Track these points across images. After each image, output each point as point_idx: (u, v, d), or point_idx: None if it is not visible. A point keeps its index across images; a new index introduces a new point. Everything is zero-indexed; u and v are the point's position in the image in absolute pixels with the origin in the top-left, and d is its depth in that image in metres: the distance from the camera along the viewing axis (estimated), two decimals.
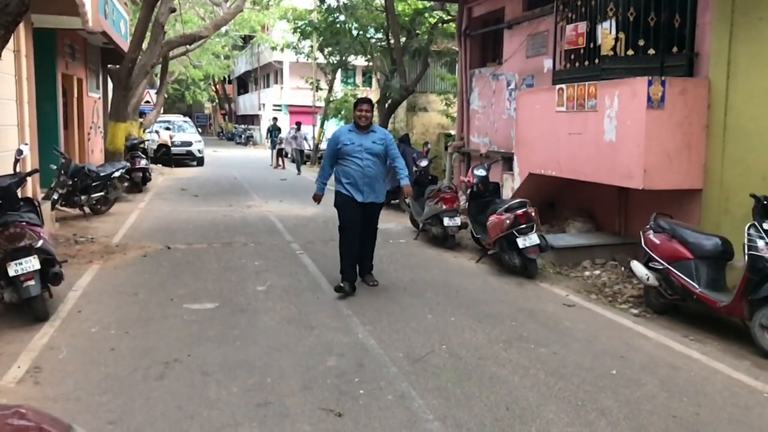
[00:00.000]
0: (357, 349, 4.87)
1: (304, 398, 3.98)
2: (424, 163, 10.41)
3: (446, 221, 8.59)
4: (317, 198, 6.80)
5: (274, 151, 23.93)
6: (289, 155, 24.60)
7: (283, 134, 23.94)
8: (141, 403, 3.88)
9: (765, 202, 4.98)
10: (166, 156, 22.28)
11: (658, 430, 3.68)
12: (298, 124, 22.82)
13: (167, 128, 24.25)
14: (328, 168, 6.64)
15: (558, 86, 8.08)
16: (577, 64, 8.17)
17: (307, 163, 23.87)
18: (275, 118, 25.91)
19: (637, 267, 5.98)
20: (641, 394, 4.15)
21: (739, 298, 5.02)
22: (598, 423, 3.73)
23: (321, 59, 24.91)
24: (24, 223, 5.48)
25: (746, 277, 4.95)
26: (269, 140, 24.95)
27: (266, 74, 45.05)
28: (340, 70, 24.80)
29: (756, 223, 4.97)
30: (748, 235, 4.97)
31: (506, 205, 7.53)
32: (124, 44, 14.52)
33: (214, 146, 36.37)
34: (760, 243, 4.88)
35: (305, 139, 22.67)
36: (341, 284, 6.28)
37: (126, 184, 13.54)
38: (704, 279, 5.40)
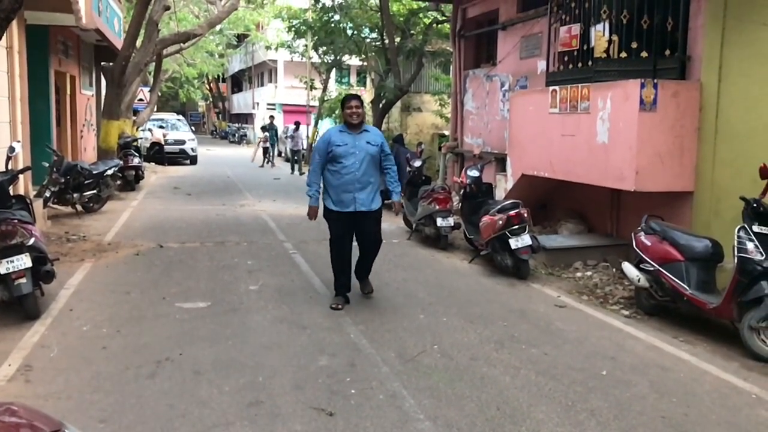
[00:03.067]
0: (349, 348, 4.88)
1: (295, 397, 3.99)
2: (417, 163, 10.42)
3: (439, 221, 8.61)
4: (313, 213, 6.07)
5: (260, 150, 23.56)
6: (283, 154, 24.46)
7: (271, 133, 23.55)
8: (132, 401, 3.88)
9: (755, 205, 5.02)
10: (159, 154, 22.22)
11: (647, 430, 3.71)
12: (297, 123, 22.19)
13: (160, 126, 24.15)
14: (318, 174, 5.95)
15: (551, 88, 8.10)
16: (570, 66, 8.19)
17: (302, 162, 23.81)
18: (272, 117, 25.58)
19: (629, 268, 6.01)
20: (631, 395, 4.18)
21: (729, 300, 5.06)
22: (588, 423, 3.76)
23: (315, 58, 24.90)
24: (16, 221, 5.46)
25: (736, 279, 4.99)
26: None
27: (260, 73, 44.92)
28: (334, 69, 24.77)
29: (746, 226, 5.01)
30: (738, 237, 5.01)
31: (499, 206, 7.55)
32: (118, 42, 14.46)
33: (208, 145, 36.26)
34: (750, 245, 4.92)
35: (302, 139, 22.43)
36: (337, 301, 5.94)
37: (119, 182, 13.53)
38: (694, 281, 5.44)
